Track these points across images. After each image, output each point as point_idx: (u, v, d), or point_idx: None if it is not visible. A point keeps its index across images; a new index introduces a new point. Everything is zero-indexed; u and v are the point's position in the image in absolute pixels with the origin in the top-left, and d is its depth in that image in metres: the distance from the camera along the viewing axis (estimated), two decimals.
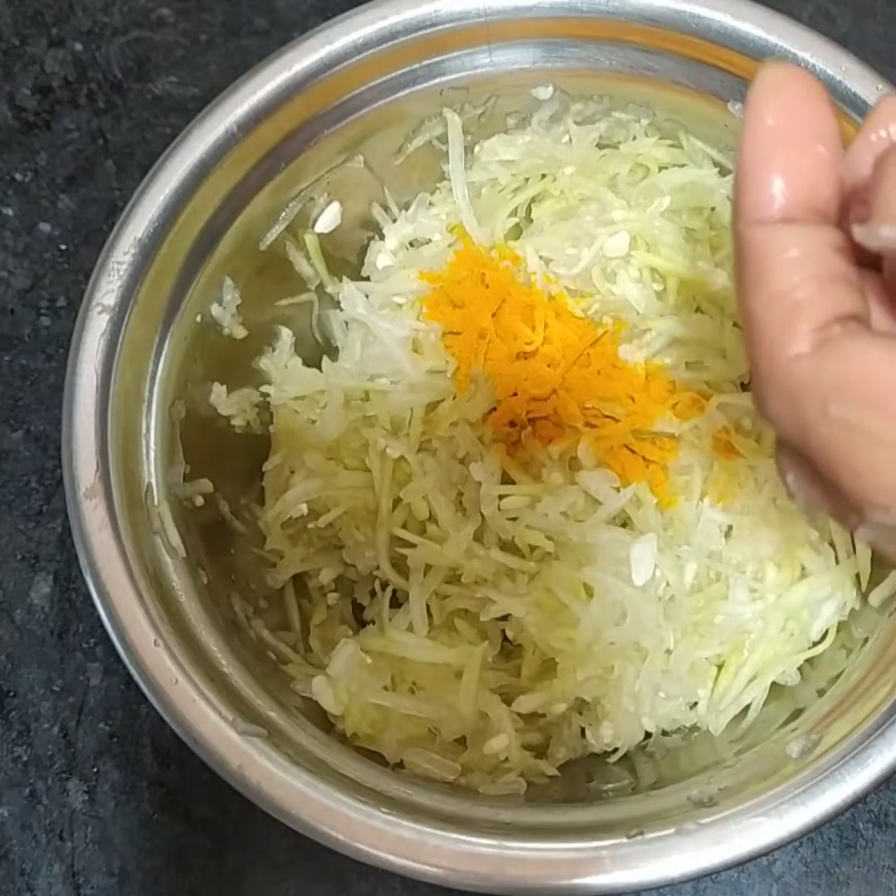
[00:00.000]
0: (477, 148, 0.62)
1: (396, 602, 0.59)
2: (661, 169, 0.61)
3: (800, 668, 0.55)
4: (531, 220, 0.64)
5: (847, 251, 0.31)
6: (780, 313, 0.30)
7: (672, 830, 0.44)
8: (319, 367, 0.63)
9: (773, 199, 0.30)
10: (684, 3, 0.54)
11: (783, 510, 0.57)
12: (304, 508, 0.59)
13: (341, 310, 0.63)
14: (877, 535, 0.31)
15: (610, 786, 0.53)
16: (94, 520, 0.47)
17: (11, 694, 0.64)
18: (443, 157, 0.62)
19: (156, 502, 0.51)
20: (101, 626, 0.47)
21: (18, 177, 0.74)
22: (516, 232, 0.64)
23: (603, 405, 0.59)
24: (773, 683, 0.55)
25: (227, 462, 0.59)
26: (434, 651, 0.56)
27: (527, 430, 0.59)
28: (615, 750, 0.56)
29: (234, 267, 0.57)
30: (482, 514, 0.57)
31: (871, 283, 0.33)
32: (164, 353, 0.53)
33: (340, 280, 0.63)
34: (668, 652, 0.56)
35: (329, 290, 0.63)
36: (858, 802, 0.44)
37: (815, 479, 0.31)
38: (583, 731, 0.57)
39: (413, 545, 0.58)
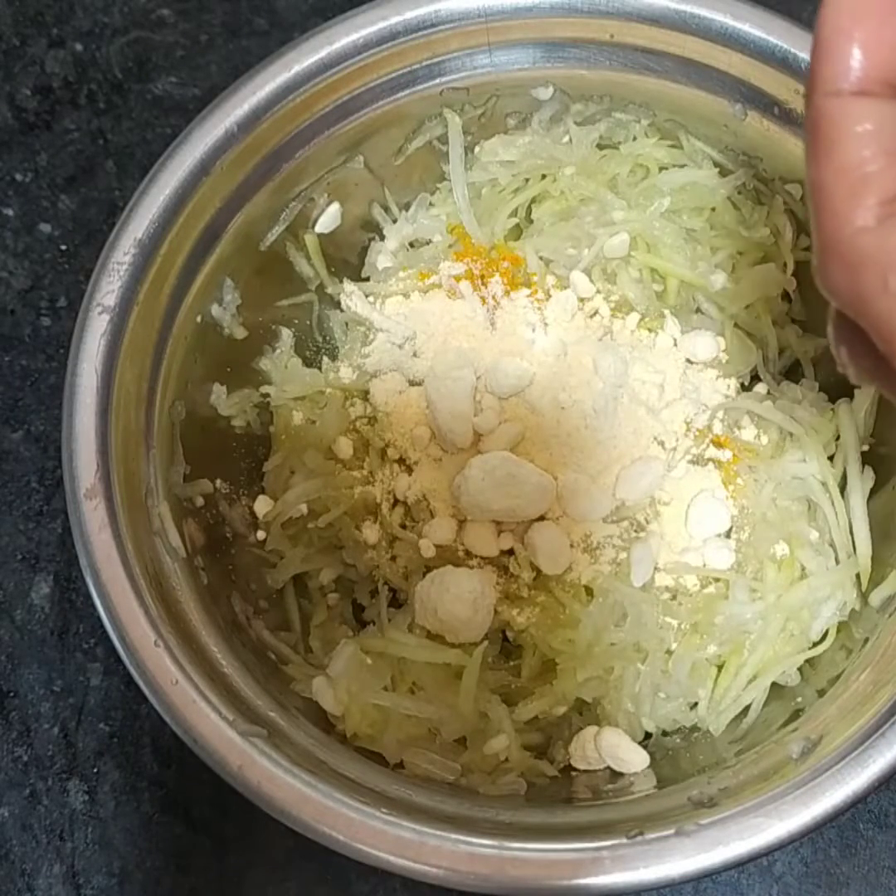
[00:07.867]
0: (477, 148, 0.62)
1: (396, 602, 0.59)
2: (661, 169, 0.61)
3: (800, 669, 0.55)
4: (531, 221, 0.64)
5: None
6: (847, 185, 0.29)
7: (672, 831, 0.44)
8: (319, 367, 0.63)
9: (849, 71, 0.29)
10: (684, 4, 0.54)
11: (783, 510, 0.57)
12: (304, 508, 0.59)
13: (341, 310, 0.63)
14: None
15: (610, 786, 0.53)
16: (94, 520, 0.47)
17: (11, 694, 0.64)
18: (443, 158, 0.62)
19: (156, 503, 0.51)
20: (101, 626, 0.47)
21: (18, 177, 0.74)
22: (516, 232, 0.64)
23: None
24: (773, 684, 0.55)
25: (227, 462, 0.59)
26: (434, 651, 0.56)
27: None
28: None
29: (234, 267, 0.57)
30: None
31: None
32: (164, 353, 0.53)
33: (340, 280, 0.63)
34: (669, 652, 0.56)
35: (329, 290, 0.63)
36: (858, 802, 0.44)
37: (868, 352, 0.31)
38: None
39: None
